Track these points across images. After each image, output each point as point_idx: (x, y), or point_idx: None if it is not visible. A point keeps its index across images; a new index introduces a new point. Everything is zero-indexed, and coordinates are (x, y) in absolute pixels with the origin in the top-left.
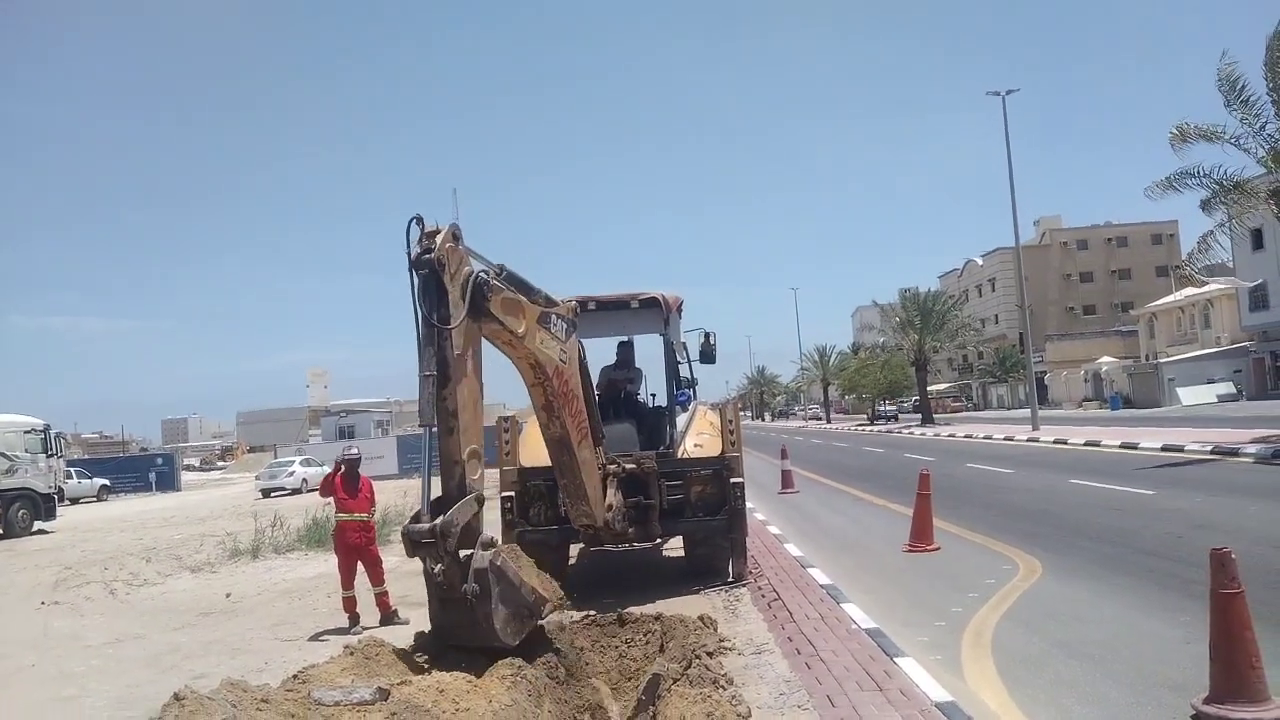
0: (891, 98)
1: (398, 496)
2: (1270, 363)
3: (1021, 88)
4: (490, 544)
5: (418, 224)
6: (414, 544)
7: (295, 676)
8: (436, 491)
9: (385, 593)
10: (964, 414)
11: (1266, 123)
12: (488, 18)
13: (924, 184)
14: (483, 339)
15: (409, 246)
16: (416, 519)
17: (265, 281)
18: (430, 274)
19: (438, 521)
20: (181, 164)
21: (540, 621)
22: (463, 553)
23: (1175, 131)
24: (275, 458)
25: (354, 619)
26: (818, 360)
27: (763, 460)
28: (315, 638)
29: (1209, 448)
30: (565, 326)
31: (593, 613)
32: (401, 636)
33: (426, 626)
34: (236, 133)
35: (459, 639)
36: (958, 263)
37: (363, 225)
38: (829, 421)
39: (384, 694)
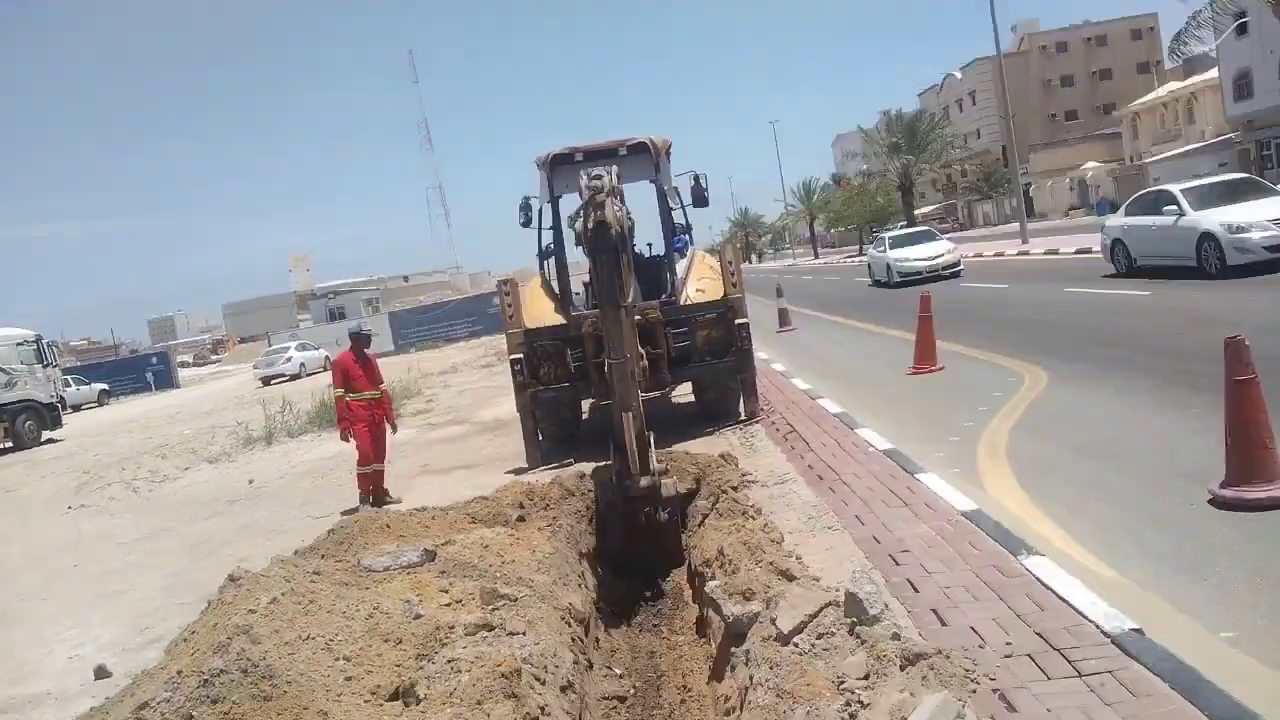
0: None
1: (402, 372)
2: (1256, 153)
3: None
4: (665, 471)
5: (590, 193)
6: (629, 499)
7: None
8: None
9: (382, 472)
10: (952, 234)
11: None
12: None
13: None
14: None
15: (586, 226)
16: (626, 475)
17: (232, 166)
18: (609, 254)
19: (653, 478)
20: (135, 44)
21: None
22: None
23: None
24: (269, 345)
25: (372, 496)
26: (803, 195)
27: (758, 301)
28: (347, 513)
29: None
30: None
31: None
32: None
33: (446, 493)
34: (200, 10)
35: (639, 563)
36: (937, 78)
37: (324, 96)
38: (816, 257)
39: (431, 555)
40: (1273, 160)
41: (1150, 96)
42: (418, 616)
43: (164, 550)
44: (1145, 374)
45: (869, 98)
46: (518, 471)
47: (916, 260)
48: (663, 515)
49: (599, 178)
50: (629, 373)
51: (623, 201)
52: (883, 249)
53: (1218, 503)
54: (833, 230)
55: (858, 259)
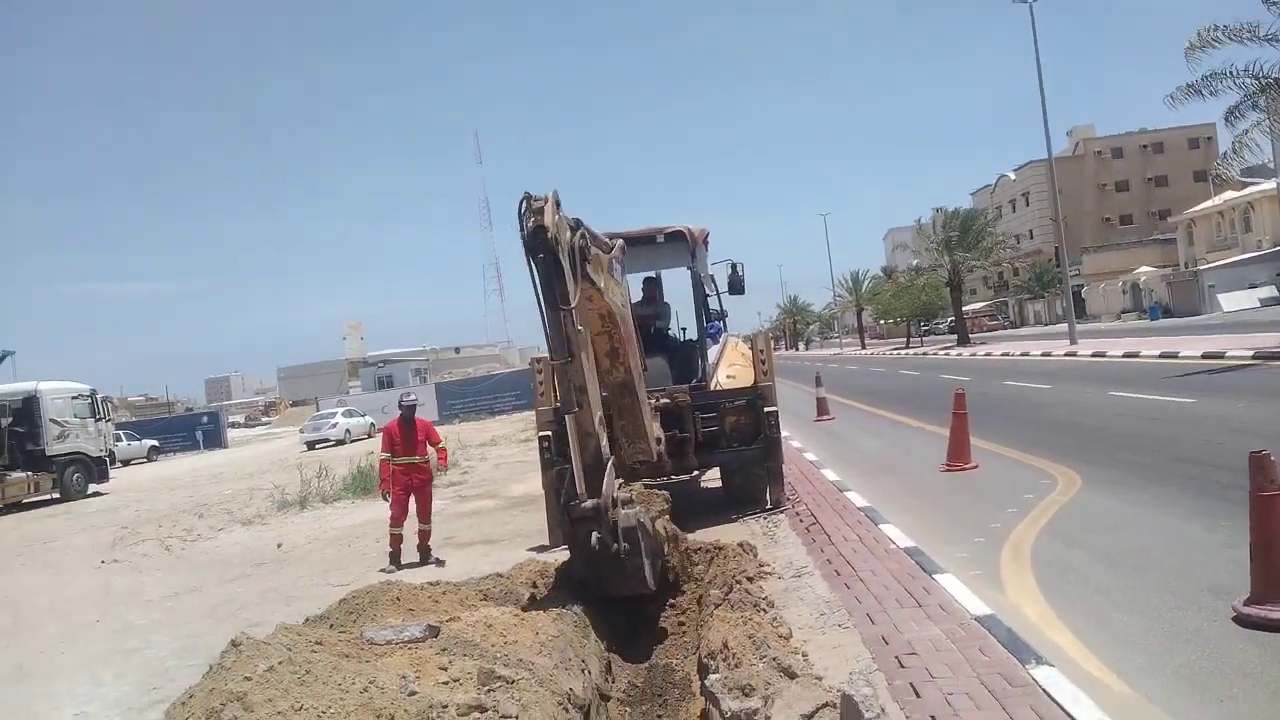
0: (917, 13)
1: None
2: None
3: None
4: (629, 501)
5: (526, 201)
6: (575, 521)
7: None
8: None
9: (429, 531)
10: (1001, 332)
11: None
12: None
13: (954, 100)
14: None
15: (522, 229)
16: (573, 497)
17: (296, 233)
18: (549, 254)
19: (598, 500)
20: (213, 117)
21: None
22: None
23: (1193, 40)
24: (317, 410)
25: (395, 557)
26: (851, 286)
27: (798, 389)
28: (384, 570)
29: (1250, 353)
30: (620, 269)
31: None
32: (435, 575)
33: (466, 567)
34: (269, 80)
35: (608, 591)
36: (990, 179)
37: (386, 173)
38: (863, 347)
39: (434, 631)
40: None
41: (1207, 204)
42: (412, 693)
43: (186, 610)
44: (1181, 483)
45: (920, 194)
46: (539, 549)
47: None
48: (618, 546)
49: (540, 199)
50: (570, 376)
51: (660, 288)
52: None
53: (1241, 620)
54: (881, 322)
55: (905, 351)
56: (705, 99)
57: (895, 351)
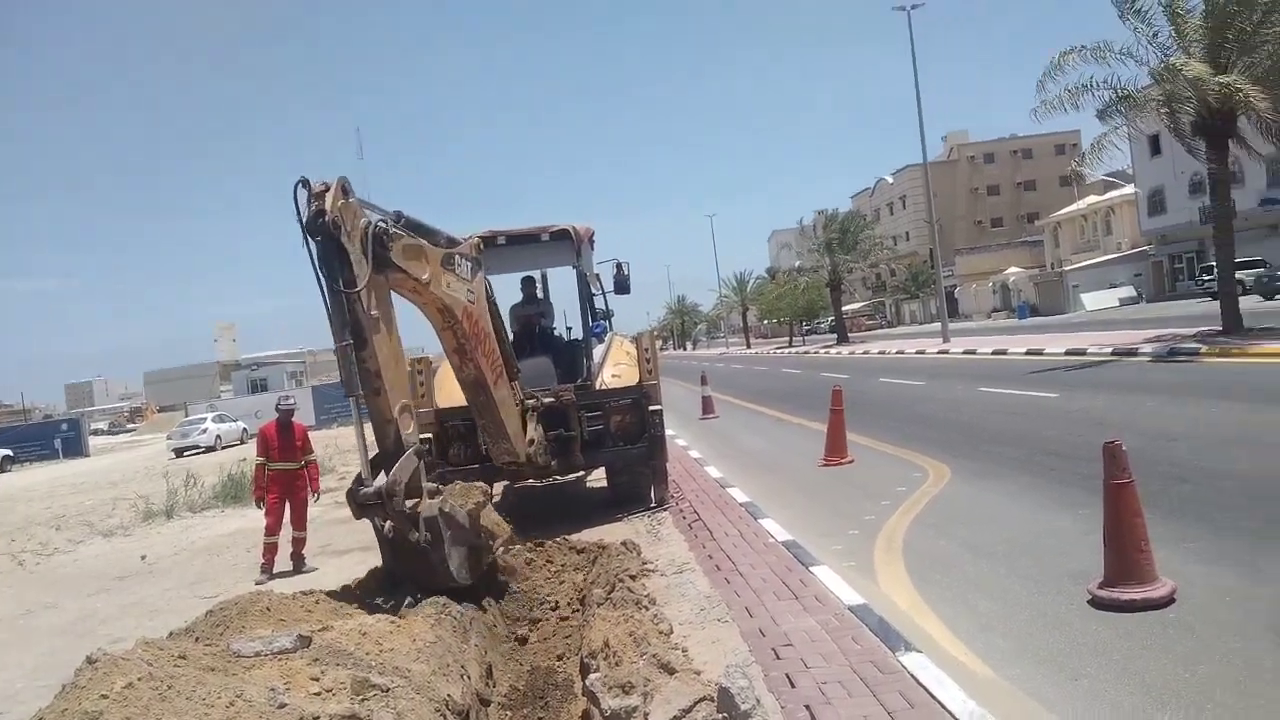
0: (802, 19)
1: (318, 448)
2: (1169, 265)
3: (926, 1)
4: (435, 493)
5: (304, 186)
6: (360, 506)
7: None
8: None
9: (304, 539)
10: (878, 331)
11: (1158, 32)
12: None
13: (838, 105)
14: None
15: (299, 213)
16: (359, 482)
17: (163, 234)
18: (327, 238)
19: (381, 484)
20: (75, 107)
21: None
22: (409, 503)
23: (1048, 69)
24: (186, 416)
25: (268, 567)
26: (736, 287)
27: (684, 388)
28: (260, 581)
29: (1109, 350)
30: (470, 265)
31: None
32: (309, 584)
33: (342, 575)
34: (131, 73)
35: (417, 584)
36: (870, 182)
37: (262, 171)
38: (748, 346)
39: (305, 641)
40: (1184, 273)
41: (1071, 208)
42: (282, 706)
43: (41, 628)
44: (1043, 474)
45: (806, 197)
46: None
47: None
48: (419, 536)
49: (322, 184)
50: (364, 362)
51: (544, 287)
52: None
53: (1095, 603)
54: (765, 321)
55: (787, 350)
56: (593, 101)
57: (779, 350)
